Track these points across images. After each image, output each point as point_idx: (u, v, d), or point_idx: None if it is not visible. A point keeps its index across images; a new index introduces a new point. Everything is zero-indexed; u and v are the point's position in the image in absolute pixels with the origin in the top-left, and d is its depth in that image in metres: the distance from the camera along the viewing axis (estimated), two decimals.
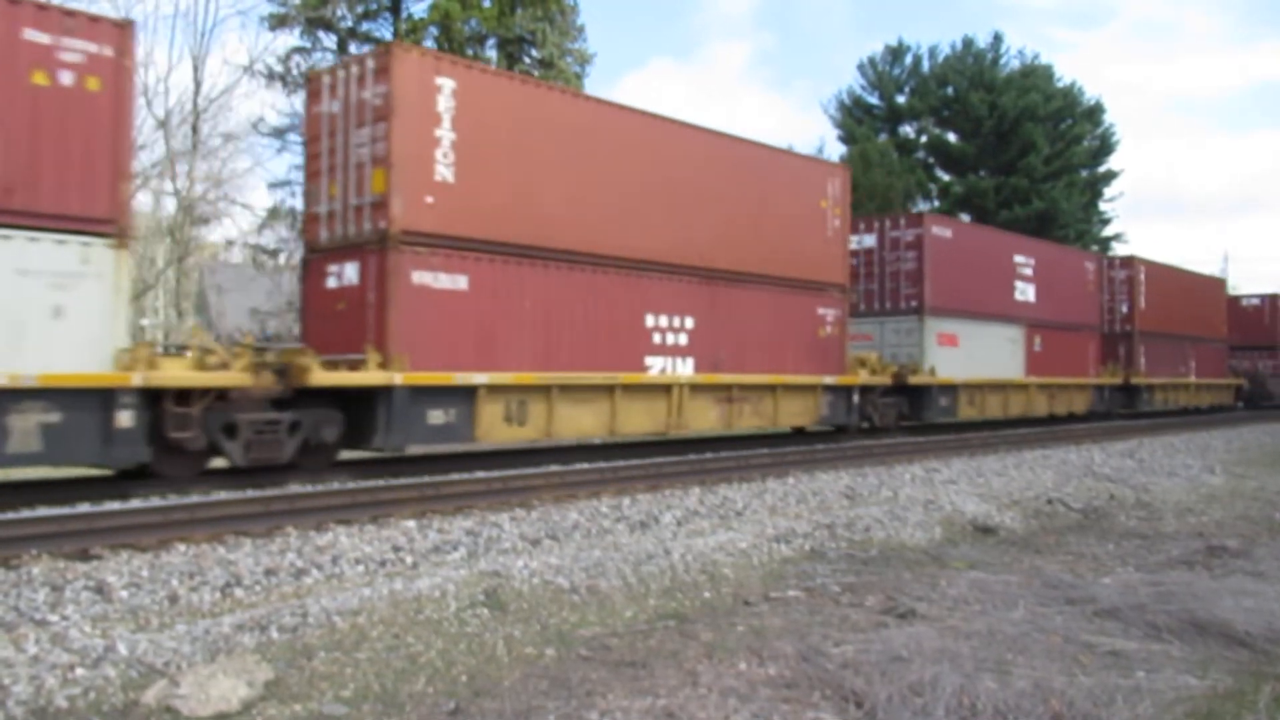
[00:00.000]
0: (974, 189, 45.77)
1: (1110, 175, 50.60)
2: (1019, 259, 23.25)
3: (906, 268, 20.28)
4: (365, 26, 32.64)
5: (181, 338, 12.06)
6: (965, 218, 42.88)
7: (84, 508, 8.48)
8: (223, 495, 9.39)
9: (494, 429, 12.07)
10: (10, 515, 7.90)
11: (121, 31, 9.36)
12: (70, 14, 8.98)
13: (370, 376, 10.95)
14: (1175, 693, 5.34)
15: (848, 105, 51.01)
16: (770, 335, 15.90)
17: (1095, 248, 47.19)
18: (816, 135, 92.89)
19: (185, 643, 5.61)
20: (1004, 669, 5.57)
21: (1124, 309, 28.19)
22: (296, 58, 31.66)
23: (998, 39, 49.61)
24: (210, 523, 8.41)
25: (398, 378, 11.02)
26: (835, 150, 48.61)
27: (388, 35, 32.52)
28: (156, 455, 9.76)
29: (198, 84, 29.35)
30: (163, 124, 28.22)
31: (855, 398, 17.64)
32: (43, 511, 8.25)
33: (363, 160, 11.63)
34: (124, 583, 6.75)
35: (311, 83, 12.78)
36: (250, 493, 9.57)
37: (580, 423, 13.09)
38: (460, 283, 11.77)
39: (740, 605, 7.22)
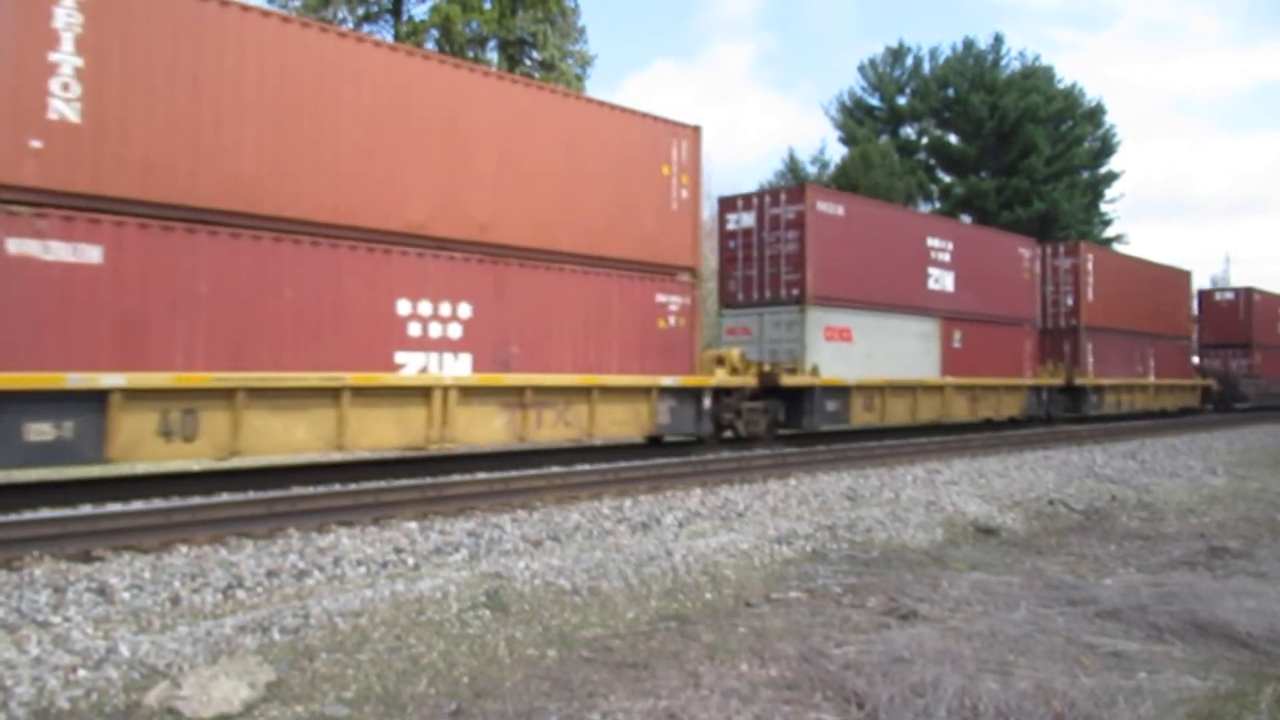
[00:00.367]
0: (975, 190, 45.81)
1: (1111, 176, 50.65)
2: (933, 242, 20.27)
3: (788, 250, 17.49)
4: (366, 28, 32.69)
5: None
6: (966, 219, 42.90)
7: (86, 509, 8.50)
8: (224, 497, 9.40)
9: (139, 446, 9.20)
10: (13, 517, 7.91)
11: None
12: None
13: None
14: (1177, 694, 5.34)
15: (848, 107, 51.08)
16: (586, 327, 13.22)
17: None
18: (818, 137, 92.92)
19: (187, 644, 5.61)
20: (1006, 670, 5.57)
21: (1069, 302, 25.33)
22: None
23: (998, 40, 49.72)
24: (212, 524, 8.42)
25: None
26: (837, 152, 48.66)
27: (389, 37, 32.55)
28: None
29: None
30: None
31: (706, 402, 14.84)
32: (45, 513, 8.27)
33: None
34: (126, 584, 6.76)
35: None
36: (252, 494, 9.58)
37: (287, 437, 10.23)
38: (89, 255, 8.93)
39: (742, 606, 7.22)
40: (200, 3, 9.68)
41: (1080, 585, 7.94)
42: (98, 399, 8.91)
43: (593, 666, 5.66)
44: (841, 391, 17.54)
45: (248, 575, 7.20)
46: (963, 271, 20.88)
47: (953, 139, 49.04)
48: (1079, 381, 24.69)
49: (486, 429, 12.03)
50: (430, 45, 31.44)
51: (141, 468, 11.38)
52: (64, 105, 8.85)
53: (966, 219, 42.78)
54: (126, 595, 6.58)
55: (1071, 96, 48.59)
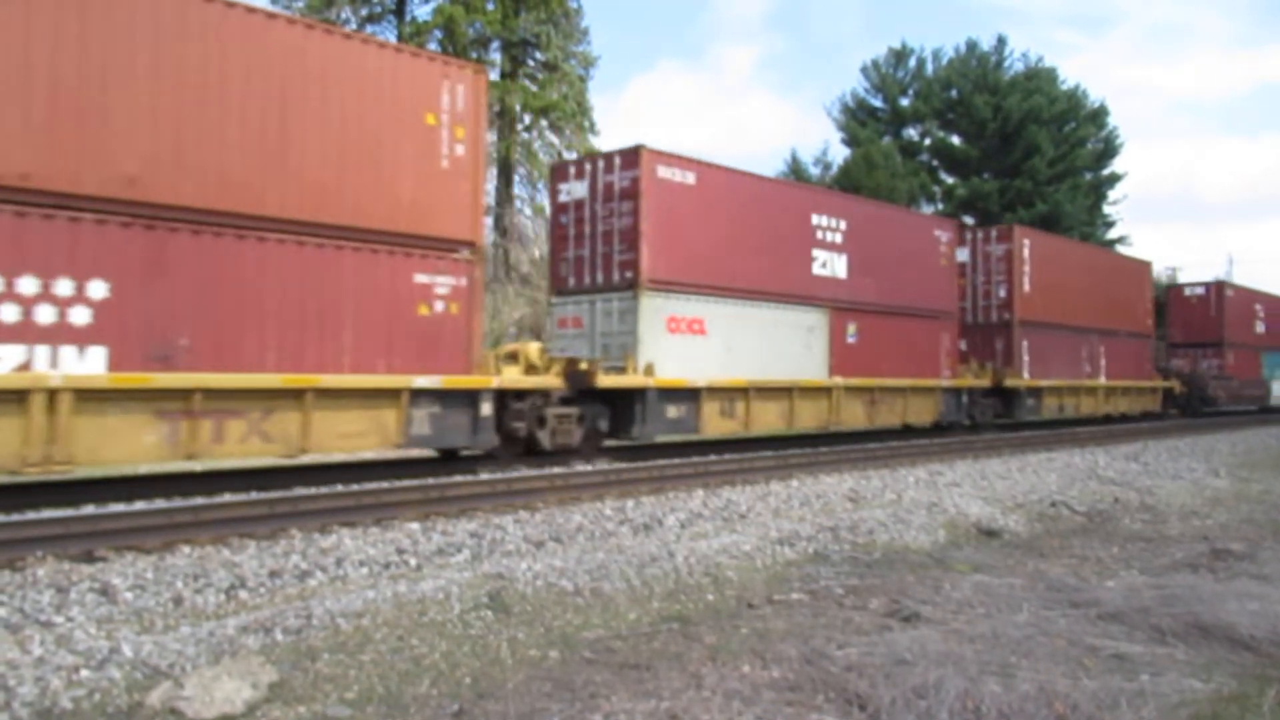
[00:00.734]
0: (978, 192, 45.80)
1: (1114, 178, 50.66)
2: (820, 220, 17.38)
3: (621, 225, 14.72)
4: (369, 29, 32.75)
5: None
6: (969, 220, 42.87)
7: (89, 509, 8.51)
8: (227, 498, 9.41)
9: None
10: (16, 517, 7.93)
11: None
12: None
13: None
14: (1179, 696, 5.34)
15: (851, 108, 51.09)
16: (303, 314, 10.39)
17: None
18: (822, 139, 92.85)
19: (190, 644, 5.62)
20: (1008, 672, 5.57)
21: (1001, 293, 22.57)
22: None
23: (1001, 42, 49.70)
24: (214, 525, 8.43)
25: None
26: (840, 154, 48.67)
27: (392, 38, 32.60)
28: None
29: None
30: None
31: (485, 408, 11.91)
32: (48, 514, 8.28)
33: None
34: (129, 585, 6.77)
35: None
36: (254, 494, 9.59)
37: None
38: None
39: (744, 608, 7.22)
40: None
41: (1083, 587, 7.93)
42: None
43: (595, 667, 5.66)
44: (687, 395, 14.80)
45: (250, 576, 7.21)
46: (860, 255, 18.07)
47: (955, 140, 49.05)
48: (1010, 383, 21.85)
49: (129, 445, 9.15)
50: (434, 46, 31.49)
51: (144, 468, 11.39)
52: None
53: (969, 220, 42.76)
54: (129, 595, 6.59)
55: (1075, 98, 48.59)
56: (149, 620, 6.21)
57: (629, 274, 14.62)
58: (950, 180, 48.58)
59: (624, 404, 14.21)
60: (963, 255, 22.26)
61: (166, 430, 9.36)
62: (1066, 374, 24.28)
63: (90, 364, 8.95)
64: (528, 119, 34.25)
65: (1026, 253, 23.04)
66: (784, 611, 7.08)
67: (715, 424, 15.24)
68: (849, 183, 38.24)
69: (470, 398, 11.81)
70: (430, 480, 10.88)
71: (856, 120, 49.95)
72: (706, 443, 16.69)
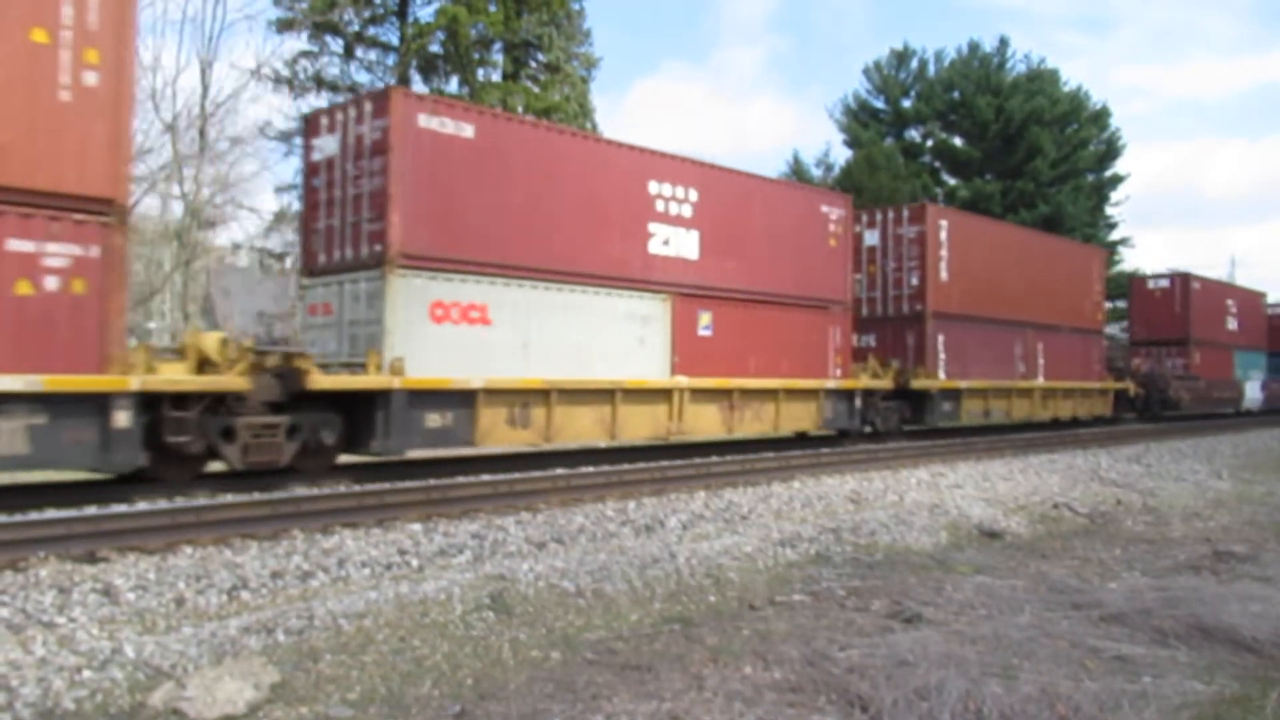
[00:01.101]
0: (980, 193, 45.77)
1: (1117, 179, 50.64)
2: (662, 189, 14.36)
3: (372, 187, 11.75)
4: (372, 30, 32.78)
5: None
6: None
7: (91, 510, 8.51)
8: (229, 498, 9.42)
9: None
10: (18, 518, 7.93)
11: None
12: None
13: None
14: (1181, 698, 5.33)
15: (853, 109, 51.10)
16: None
17: None
18: (824, 140, 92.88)
19: (192, 645, 5.63)
20: (1010, 674, 5.56)
21: (914, 281, 19.53)
22: (303, 62, 31.80)
23: (1003, 43, 49.69)
24: (216, 525, 8.43)
25: None
26: (842, 155, 48.68)
27: (394, 40, 32.64)
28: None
29: (205, 88, 29.47)
30: (170, 128, 28.33)
31: (122, 418, 8.91)
32: (50, 514, 8.28)
33: None
34: (131, 585, 6.78)
35: None
36: (256, 495, 9.60)
37: None
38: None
39: (745, 609, 7.21)
40: None
41: (1085, 589, 7.92)
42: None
43: (596, 668, 5.66)
44: (456, 399, 11.82)
45: (252, 576, 7.21)
46: (717, 232, 15.13)
47: (958, 142, 49.03)
48: (919, 384, 18.74)
49: None
50: (435, 48, 31.53)
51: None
52: None
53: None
54: (131, 596, 6.59)
55: (1077, 99, 48.57)
56: (151, 621, 6.21)
57: (377, 248, 11.58)
58: (952, 182, 48.56)
59: (365, 411, 11.23)
60: (872, 238, 20.04)
61: None
62: (994, 374, 21.11)
63: None
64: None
65: (944, 235, 19.86)
66: (786, 613, 7.07)
67: (501, 434, 12.26)
68: (850, 184, 38.22)
69: (97, 404, 8.83)
70: (432, 481, 10.87)
71: (858, 122, 49.96)
72: (623, 449, 15.42)
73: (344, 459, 11.88)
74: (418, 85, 32.04)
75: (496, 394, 12.21)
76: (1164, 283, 31.29)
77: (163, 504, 8.92)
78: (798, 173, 47.01)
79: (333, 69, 32.23)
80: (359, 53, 32.62)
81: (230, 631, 5.91)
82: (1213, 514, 12.91)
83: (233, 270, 39.55)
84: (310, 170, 12.82)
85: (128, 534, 7.93)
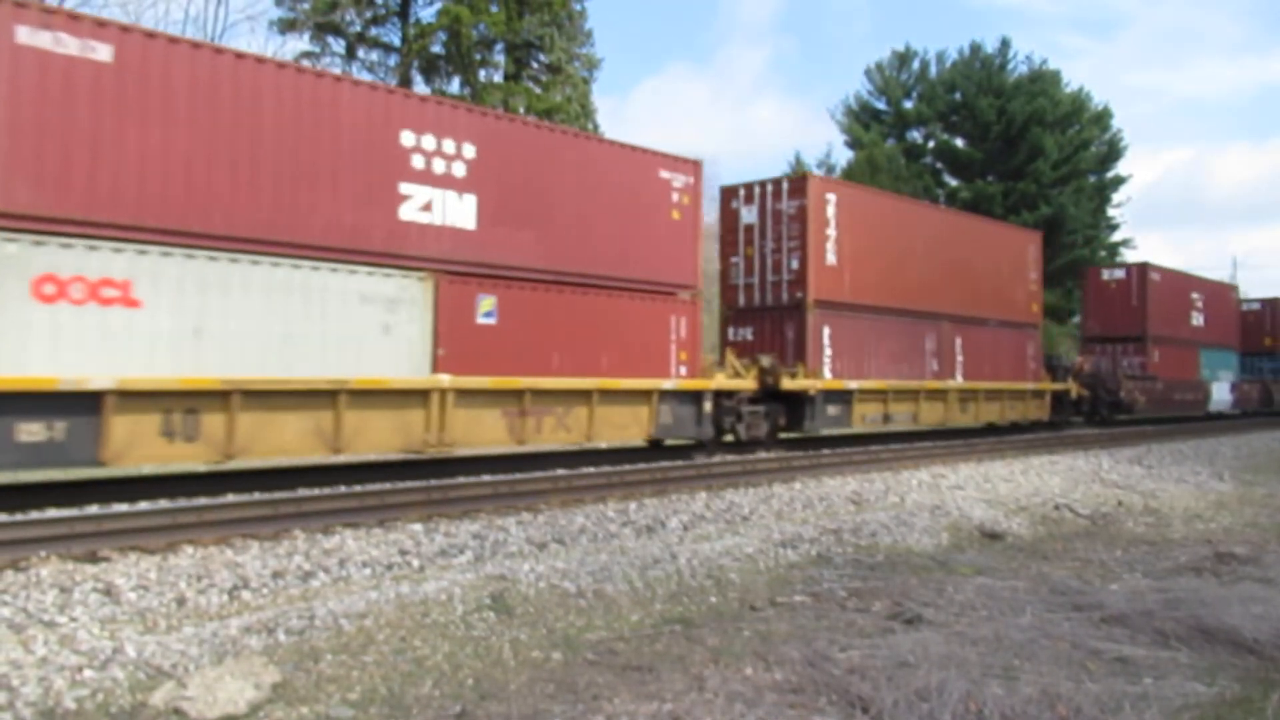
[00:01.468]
0: (981, 194, 45.76)
1: (1118, 180, 50.63)
2: (421, 141, 11.48)
3: None
4: (374, 31, 32.81)
5: None
6: None
7: (93, 509, 8.52)
8: (230, 498, 9.42)
9: None
10: (19, 517, 7.94)
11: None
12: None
13: None
14: (1183, 699, 5.33)
15: (854, 110, 51.11)
16: None
17: (1103, 254, 47.13)
18: (827, 141, 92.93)
19: (193, 645, 5.63)
20: (1011, 675, 5.56)
21: (793, 264, 16.73)
22: (305, 62, 31.80)
23: (1005, 44, 49.68)
24: (218, 525, 8.44)
25: None
26: (843, 156, 48.70)
27: (396, 40, 32.68)
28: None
29: None
30: None
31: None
32: (52, 513, 8.30)
33: None
34: (132, 585, 6.78)
35: None
36: (258, 495, 9.60)
37: None
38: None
39: (746, 610, 7.21)
40: None
41: (1086, 590, 7.92)
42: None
43: (597, 669, 5.66)
44: (72, 404, 8.85)
45: (253, 576, 7.21)
46: (503, 196, 12.26)
47: (959, 143, 49.03)
48: (793, 384, 15.93)
49: None
50: (437, 48, 31.55)
51: (147, 469, 11.41)
52: None
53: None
54: (132, 596, 6.60)
55: (1079, 100, 48.56)
56: (152, 620, 6.22)
57: None
58: (954, 183, 48.57)
59: None
60: (750, 215, 17.33)
61: None
62: (898, 372, 18.30)
63: None
64: None
65: (831, 211, 17.03)
66: (787, 614, 7.07)
67: (151, 449, 9.37)
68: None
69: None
70: (433, 481, 10.88)
71: (859, 123, 49.96)
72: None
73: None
74: (419, 86, 32.04)
75: (140, 397, 9.19)
76: (1119, 273, 28.21)
77: (164, 503, 8.94)
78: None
79: (334, 70, 32.27)
80: (360, 53, 32.66)
81: (231, 631, 5.91)
82: (1214, 515, 12.91)
83: None
84: None
85: (129, 534, 7.94)
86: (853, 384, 17.06)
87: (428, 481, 10.89)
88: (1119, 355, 27.33)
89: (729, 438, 15.70)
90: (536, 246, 12.72)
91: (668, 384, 14.14)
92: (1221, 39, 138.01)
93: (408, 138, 11.43)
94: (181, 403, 9.53)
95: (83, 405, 8.92)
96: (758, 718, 4.87)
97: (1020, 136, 46.24)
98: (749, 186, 17.64)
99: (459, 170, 11.88)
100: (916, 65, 50.90)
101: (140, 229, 9.34)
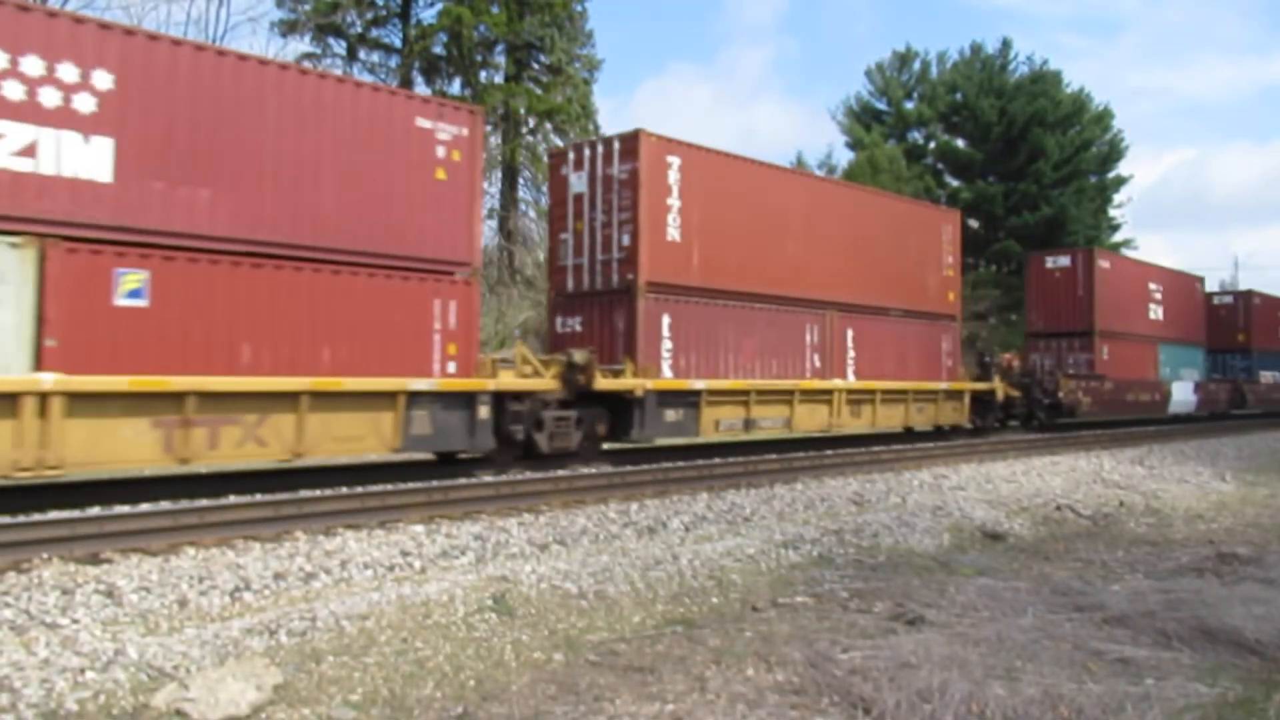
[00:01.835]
0: (983, 195, 45.75)
1: (1120, 181, 50.62)
2: (12, 61, 8.70)
3: None
4: (375, 33, 32.85)
5: None
6: (973, 223, 42.76)
7: (94, 511, 8.53)
8: (232, 499, 9.43)
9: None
10: (21, 519, 7.95)
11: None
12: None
13: None
14: (1185, 700, 5.32)
15: (855, 111, 51.11)
16: None
17: None
18: (828, 142, 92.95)
19: (195, 646, 5.63)
20: (1013, 676, 5.56)
21: (624, 240, 14.01)
22: (306, 64, 31.83)
23: (1006, 45, 49.69)
24: (219, 527, 8.44)
25: None
26: (844, 157, 48.67)
27: (397, 41, 32.70)
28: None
29: None
30: None
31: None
32: (53, 515, 8.30)
33: None
34: (134, 586, 6.79)
35: None
36: (259, 497, 9.61)
37: None
38: None
39: (748, 611, 7.21)
40: None
41: (1088, 591, 7.91)
42: None
43: (599, 670, 5.66)
44: None
45: (255, 578, 7.22)
46: (158, 140, 9.58)
47: (960, 143, 49.02)
48: (610, 384, 13.22)
49: None
50: (438, 49, 31.58)
51: (149, 470, 11.40)
52: None
53: (973, 223, 42.58)
54: (134, 597, 6.60)
55: (1079, 101, 48.54)
56: (154, 622, 6.22)
57: None
58: (955, 183, 48.55)
59: None
60: (579, 183, 14.70)
61: None
62: (765, 370, 15.68)
63: None
64: (532, 122, 34.30)
65: (673, 177, 14.29)
66: (788, 615, 7.07)
67: None
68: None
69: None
70: (434, 483, 10.88)
71: (860, 124, 49.97)
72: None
73: None
74: (420, 87, 32.07)
75: None
76: (1064, 260, 25.47)
77: (165, 505, 8.94)
78: None
79: (335, 71, 32.29)
80: (362, 54, 32.75)
81: (233, 633, 5.91)
82: (1216, 516, 12.90)
83: None
84: None
85: (131, 535, 7.94)
86: (699, 384, 14.36)
87: (429, 483, 10.89)
88: (1064, 352, 24.88)
89: (563, 447, 13.04)
90: (220, 208, 9.93)
91: (420, 384, 11.17)
92: (1223, 39, 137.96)
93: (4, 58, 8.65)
94: None
95: None
96: (759, 719, 4.87)
97: (1021, 137, 46.24)
98: (578, 148, 15.09)
99: (84, 104, 9.13)
100: (917, 66, 50.94)
101: None
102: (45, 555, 7.42)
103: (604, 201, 14.40)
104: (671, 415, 14.14)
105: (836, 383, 16.84)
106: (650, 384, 13.68)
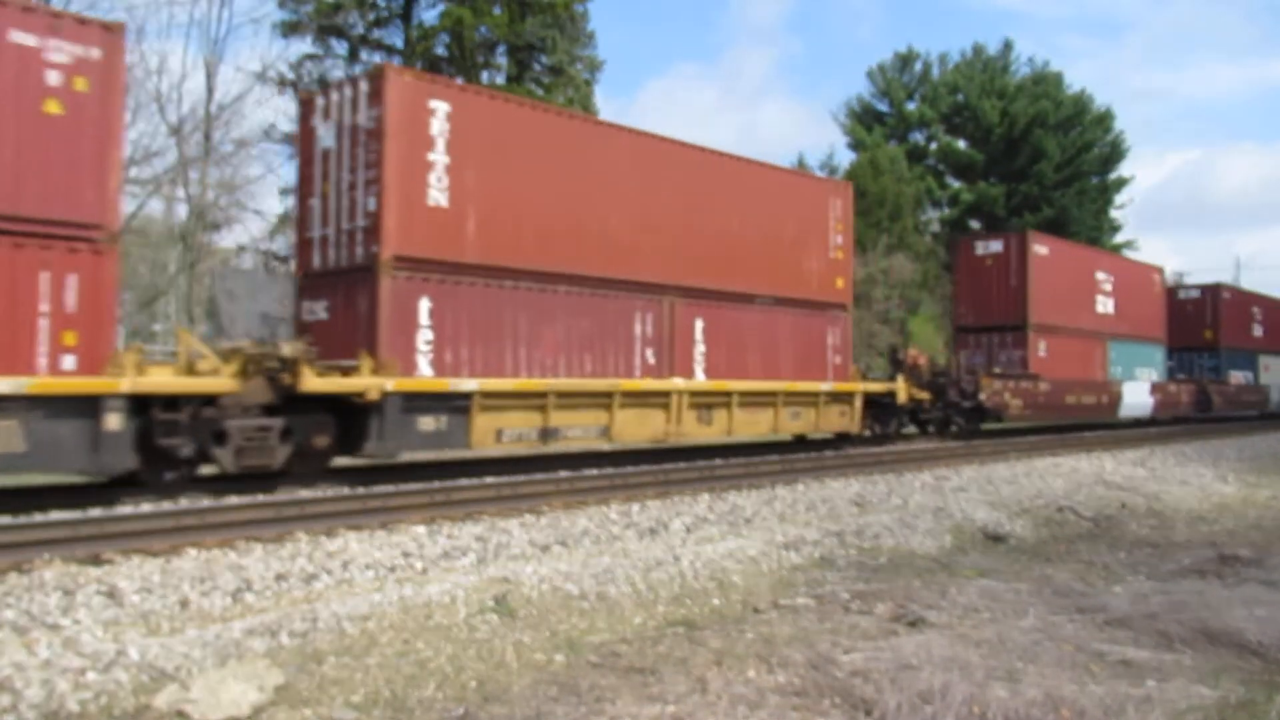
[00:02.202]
0: (984, 196, 45.77)
1: (1121, 182, 50.65)
2: None
3: None
4: (376, 34, 32.86)
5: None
6: (974, 224, 42.75)
7: (96, 512, 8.53)
8: (233, 500, 9.43)
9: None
10: (23, 519, 7.95)
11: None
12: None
13: None
14: (1186, 702, 5.32)
15: (857, 112, 51.14)
16: None
17: None
18: (829, 143, 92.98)
19: (196, 647, 5.63)
20: (1014, 677, 5.56)
21: (369, 205, 11.20)
22: (308, 65, 31.87)
23: (1008, 46, 49.75)
24: (221, 528, 8.44)
25: None
26: (846, 158, 48.66)
27: (399, 43, 32.71)
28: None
29: (210, 91, 29.57)
30: (176, 130, 28.42)
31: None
32: (55, 516, 8.31)
33: None
34: (135, 587, 6.78)
35: None
36: (261, 498, 9.61)
37: None
38: None
39: (749, 612, 7.21)
40: None
41: (1089, 593, 7.91)
42: None
43: (600, 672, 5.66)
44: None
45: (256, 579, 7.21)
46: None
47: (961, 145, 49.04)
48: (327, 385, 10.48)
49: None
50: (440, 50, 31.58)
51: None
52: None
53: (974, 224, 42.62)
54: (136, 598, 6.60)
55: (1081, 102, 48.59)
56: (155, 623, 6.22)
57: None
58: (956, 185, 48.56)
59: None
60: (328, 137, 11.85)
61: None
62: (574, 368, 12.70)
63: None
64: None
65: (438, 127, 11.42)
66: (790, 616, 7.07)
67: None
68: (855, 187, 38.10)
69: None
70: (436, 484, 10.88)
71: (862, 125, 49.98)
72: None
73: None
74: None
75: None
76: (995, 245, 22.74)
77: (167, 506, 8.95)
78: None
79: (337, 72, 32.30)
80: (364, 55, 32.71)
81: (234, 634, 5.91)
82: (1218, 518, 12.89)
83: (237, 273, 39.68)
84: None
85: (132, 536, 7.94)
86: (469, 384, 11.41)
87: (430, 484, 10.89)
88: (996, 348, 22.13)
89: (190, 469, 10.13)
90: None
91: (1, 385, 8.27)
92: (1226, 41, 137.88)
93: None
94: None
95: None
96: None
97: (1023, 138, 46.28)
98: (326, 91, 12.22)
99: None
100: (919, 67, 50.97)
101: None
102: (47, 556, 7.42)
103: (350, 158, 11.50)
104: (428, 423, 11.23)
105: (676, 382, 13.81)
106: (391, 384, 10.73)
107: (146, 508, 8.84)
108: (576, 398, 12.59)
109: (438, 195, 11.42)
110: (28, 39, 8.71)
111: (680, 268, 14.16)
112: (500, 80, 32.83)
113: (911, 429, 19.75)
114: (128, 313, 29.17)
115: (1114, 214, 50.88)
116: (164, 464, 9.72)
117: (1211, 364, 30.46)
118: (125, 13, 28.15)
